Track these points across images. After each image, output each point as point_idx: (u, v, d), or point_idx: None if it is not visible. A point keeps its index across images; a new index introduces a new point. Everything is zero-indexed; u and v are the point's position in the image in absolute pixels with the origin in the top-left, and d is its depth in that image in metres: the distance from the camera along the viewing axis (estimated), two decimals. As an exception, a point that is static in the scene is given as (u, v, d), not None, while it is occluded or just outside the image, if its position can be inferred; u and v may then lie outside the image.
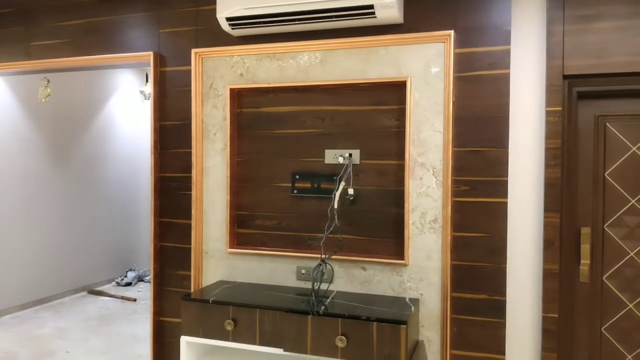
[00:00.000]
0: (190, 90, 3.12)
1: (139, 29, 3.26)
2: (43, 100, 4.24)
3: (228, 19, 2.84)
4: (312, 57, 2.89)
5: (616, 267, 2.62)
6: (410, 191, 2.72)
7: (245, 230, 3.10)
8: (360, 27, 2.78)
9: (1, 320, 4.51)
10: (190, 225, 3.14)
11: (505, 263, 2.59)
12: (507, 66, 2.58)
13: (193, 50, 3.08)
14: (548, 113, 2.55)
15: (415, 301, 2.66)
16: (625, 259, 2.61)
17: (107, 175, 5.79)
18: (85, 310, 4.87)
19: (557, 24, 2.52)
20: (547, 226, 2.55)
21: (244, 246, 3.08)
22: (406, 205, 2.71)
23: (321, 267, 2.63)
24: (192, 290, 3.12)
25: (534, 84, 2.61)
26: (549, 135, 2.54)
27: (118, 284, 5.82)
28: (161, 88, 3.21)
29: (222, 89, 3.07)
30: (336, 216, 2.79)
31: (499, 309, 2.60)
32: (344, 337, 2.36)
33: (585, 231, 2.58)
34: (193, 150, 3.10)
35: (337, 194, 2.81)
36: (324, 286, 2.78)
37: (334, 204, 2.80)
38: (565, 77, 2.52)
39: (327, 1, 2.62)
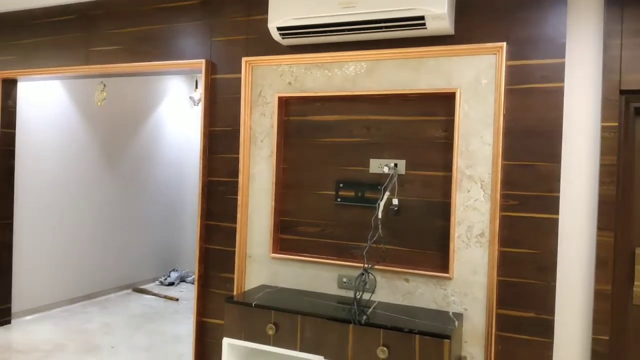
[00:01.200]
0: (239, 98, 3.19)
1: (192, 36, 3.36)
2: (99, 104, 4.42)
3: (279, 29, 2.89)
4: (360, 67, 2.90)
5: (674, 290, 2.50)
6: (457, 204, 2.68)
7: (288, 236, 3.13)
8: (409, 37, 2.77)
9: (51, 313, 4.70)
10: (235, 229, 3.20)
11: (555, 281, 2.52)
12: (562, 79, 2.51)
13: (243, 59, 3.15)
14: (603, 128, 2.47)
15: (459, 316, 2.62)
16: (683, 283, 2.49)
17: (154, 178, 5.97)
18: (129, 308, 5.02)
19: (614, 38, 2.44)
20: (600, 245, 2.46)
21: (286, 252, 3.11)
22: (452, 217, 2.68)
23: (364, 276, 2.63)
24: (234, 293, 3.17)
25: (589, 98, 2.53)
26: (604, 151, 2.46)
27: (161, 283, 5.97)
28: (212, 94, 3.29)
29: (271, 97, 3.12)
30: (380, 226, 2.79)
31: (546, 328, 2.53)
32: (385, 349, 2.34)
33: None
34: (240, 156, 3.17)
35: (382, 203, 2.80)
36: (365, 296, 2.77)
37: (378, 214, 2.79)
38: (622, 92, 2.44)
39: (378, 12, 2.63)
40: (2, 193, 4.19)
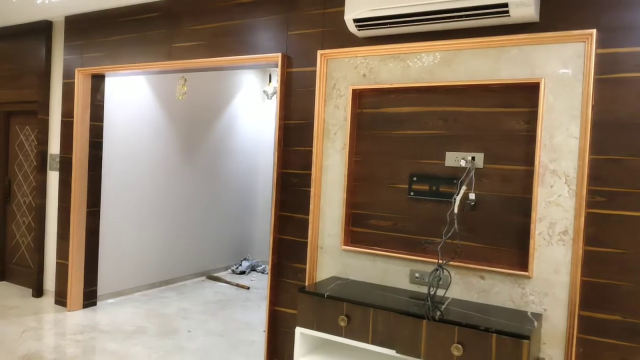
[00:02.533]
0: (314, 91, 3.22)
1: (268, 31, 3.42)
2: (180, 98, 4.61)
3: (355, 21, 2.89)
4: (437, 57, 2.84)
5: None
6: (539, 199, 2.56)
7: (360, 229, 3.13)
8: (490, 26, 2.67)
9: (133, 297, 4.98)
10: (307, 220, 3.24)
11: (645, 284, 2.35)
12: (658, 68, 2.34)
13: (319, 52, 3.18)
14: None
15: (538, 316, 2.51)
16: None
17: (229, 169, 6.16)
18: (204, 294, 5.22)
19: None
20: (701, 247, 2.27)
21: (358, 244, 3.11)
22: (533, 214, 2.57)
23: (438, 272, 2.58)
24: (306, 283, 3.22)
25: (692, 87, 2.34)
26: None
27: (233, 271, 6.17)
28: (287, 88, 3.35)
29: (345, 90, 3.12)
30: (456, 221, 2.72)
31: (634, 332, 2.37)
32: (460, 346, 2.29)
33: None
34: (314, 149, 3.20)
35: (458, 198, 2.74)
36: (439, 292, 2.72)
37: (453, 208, 2.73)
38: None
39: (454, 1, 2.56)
40: (91, 182, 4.48)
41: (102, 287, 4.72)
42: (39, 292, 4.79)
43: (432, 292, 2.55)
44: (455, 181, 2.80)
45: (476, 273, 2.73)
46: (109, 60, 4.20)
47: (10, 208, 5.27)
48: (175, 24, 3.84)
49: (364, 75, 3.07)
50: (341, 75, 3.14)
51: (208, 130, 5.82)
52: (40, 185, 4.74)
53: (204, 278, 5.89)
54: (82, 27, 4.38)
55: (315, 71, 3.21)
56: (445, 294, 2.74)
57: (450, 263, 2.74)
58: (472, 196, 2.75)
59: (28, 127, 5.04)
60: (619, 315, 2.41)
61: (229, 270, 6.23)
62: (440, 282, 2.62)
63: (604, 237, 2.44)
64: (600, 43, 2.44)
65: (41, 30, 4.65)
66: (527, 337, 2.18)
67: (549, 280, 2.54)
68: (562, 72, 2.51)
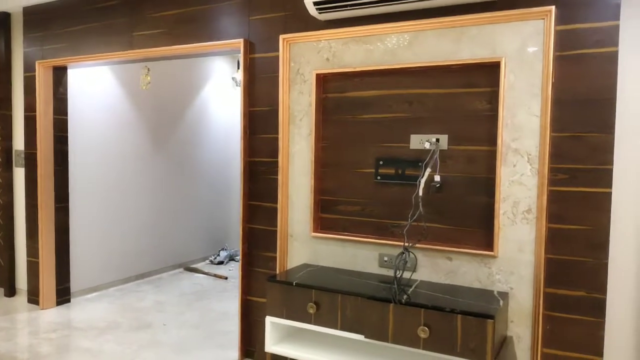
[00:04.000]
0: (278, 77, 3.17)
1: (230, 16, 3.35)
2: (144, 88, 4.52)
3: (315, 3, 2.84)
4: (400, 39, 2.81)
5: None
6: (502, 179, 2.57)
7: (329, 215, 3.11)
8: (450, 5, 2.64)
9: (107, 292, 4.92)
10: (276, 208, 3.21)
11: (607, 259, 2.38)
12: (616, 44, 2.34)
13: (281, 36, 3.12)
14: (664, 94, 2.28)
15: (504, 295, 2.53)
16: None
17: (202, 159, 6.08)
18: (181, 286, 5.18)
19: (678, -6, 2.24)
20: (659, 220, 2.30)
21: (327, 231, 3.10)
22: (497, 194, 2.57)
23: (404, 255, 2.58)
24: (277, 271, 3.20)
25: (648, 62, 2.34)
26: (665, 119, 2.28)
27: (211, 262, 6.13)
28: (251, 74, 3.29)
29: (309, 75, 3.08)
30: (421, 204, 2.72)
31: (598, 307, 2.40)
32: (426, 328, 2.29)
33: None
34: (280, 136, 3.16)
35: (423, 180, 2.73)
36: (407, 275, 2.72)
37: (418, 191, 2.72)
38: (686, 53, 2.24)
39: (416, -20, 2.53)
40: (58, 177, 4.39)
41: (75, 284, 4.65)
42: (11, 291, 4.70)
43: (398, 276, 2.55)
44: (420, 164, 2.79)
45: (443, 255, 2.73)
46: (71, 52, 4.08)
47: (-23, 207, 5.14)
48: (137, 11, 3.74)
49: (328, 59, 3.02)
50: (304, 60, 3.09)
51: (179, 120, 5.73)
52: (6, 182, 4.63)
53: (181, 270, 5.84)
54: (41, 17, 4.25)
55: (278, 56, 3.16)
56: (411, 276, 2.75)
57: (418, 245, 2.74)
58: (437, 178, 2.74)
59: (-8, 123, 4.90)
60: (583, 291, 2.43)
61: (207, 261, 6.19)
62: (407, 265, 2.62)
63: (567, 215, 2.45)
64: (560, 19, 2.43)
65: (-3, 22, 4.50)
66: (492, 317, 2.19)
67: (514, 259, 2.56)
68: (522, 51, 2.50)
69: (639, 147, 2.37)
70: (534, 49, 2.47)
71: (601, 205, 2.38)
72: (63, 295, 4.51)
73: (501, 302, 2.39)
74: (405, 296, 2.44)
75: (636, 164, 2.38)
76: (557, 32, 2.44)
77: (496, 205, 2.58)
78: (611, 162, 2.36)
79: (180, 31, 3.54)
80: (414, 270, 2.75)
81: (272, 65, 3.20)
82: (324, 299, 2.60)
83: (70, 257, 4.58)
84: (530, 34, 2.48)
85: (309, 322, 2.64)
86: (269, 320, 2.76)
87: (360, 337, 2.49)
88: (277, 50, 3.16)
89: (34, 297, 4.46)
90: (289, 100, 3.15)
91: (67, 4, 4.07)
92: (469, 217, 2.70)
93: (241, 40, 3.25)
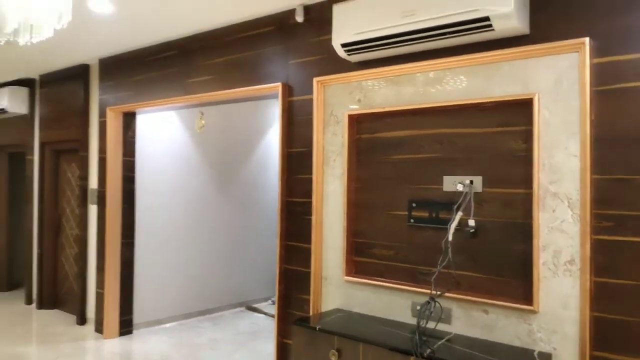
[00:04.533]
0: (312, 118, 3.17)
1: (272, 62, 3.43)
2: (198, 131, 4.73)
3: (343, 45, 2.83)
4: (428, 77, 2.71)
5: None
6: (540, 225, 2.34)
7: (362, 258, 3.01)
8: (480, 42, 2.51)
9: (169, 326, 5.09)
10: (311, 249, 3.16)
11: (665, 321, 2.05)
12: (665, 74, 2.07)
13: (314, 79, 3.14)
14: None
15: (546, 356, 2.26)
16: None
17: (265, 200, 6.20)
18: (239, 325, 5.24)
19: None
20: None
21: (360, 275, 2.99)
22: (535, 241, 2.34)
23: (430, 305, 2.41)
24: (310, 314, 3.13)
25: None
26: None
27: (273, 302, 6.14)
28: (289, 116, 3.32)
29: (341, 116, 3.05)
30: (450, 250, 2.54)
31: (655, 378, 2.06)
32: (446, 388, 2.10)
33: None
34: (314, 176, 3.14)
35: (453, 225, 2.56)
36: (441, 327, 2.54)
37: (448, 236, 2.55)
38: None
39: (439, 18, 2.44)
40: (125, 215, 4.68)
41: (138, 316, 4.86)
42: (82, 320, 5.03)
43: (423, 326, 2.38)
44: (454, 206, 2.63)
45: (479, 306, 2.52)
46: (136, 98, 4.40)
47: (60, 240, 5.61)
48: (190, 60, 3.95)
49: (359, 100, 2.98)
50: (337, 101, 3.07)
51: (243, 162, 5.92)
52: (82, 218, 5.01)
53: (243, 309, 5.92)
54: (114, 67, 4.64)
55: (312, 99, 3.17)
56: (436, 326, 2.54)
57: (451, 295, 2.55)
58: (471, 223, 2.56)
59: (74, 164, 5.37)
60: (634, 358, 2.11)
61: (270, 301, 6.22)
62: (432, 315, 2.44)
63: (614, 267, 2.17)
64: (597, 52, 2.22)
65: (79, 73, 4.98)
66: (520, 381, 1.96)
67: (557, 315, 2.29)
68: (557, 86, 2.30)
69: (699, 191, 2.05)
70: (569, 84, 2.26)
71: (655, 258, 2.08)
72: (126, 327, 4.73)
73: (536, 365, 2.14)
74: (428, 350, 2.27)
75: (696, 211, 2.05)
76: (593, 65, 2.21)
77: (535, 254, 2.34)
78: (665, 208, 2.06)
79: (227, 77, 3.68)
80: (439, 320, 2.54)
81: (308, 108, 3.21)
82: (346, 346, 2.49)
83: (134, 291, 4.81)
84: (564, 68, 2.28)
85: (331, 372, 2.53)
86: (295, 367, 2.69)
87: (379, 392, 2.34)
88: (312, 92, 3.17)
89: (99, 327, 4.72)
90: (323, 141, 3.13)
91: (134, 55, 4.41)
92: (506, 266, 2.47)
93: (279, 84, 3.31)
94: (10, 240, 6.43)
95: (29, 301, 5.80)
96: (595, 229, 2.21)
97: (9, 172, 6.45)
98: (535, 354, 2.29)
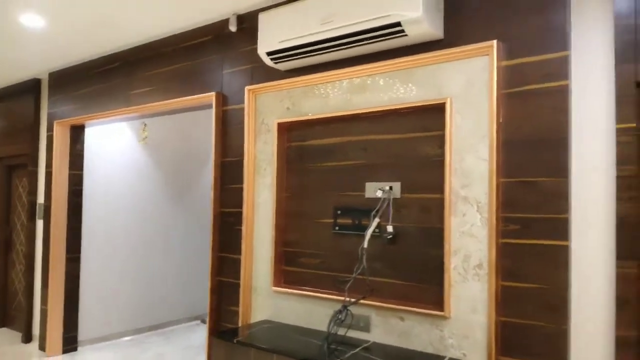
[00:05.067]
0: (243, 127, 3.16)
1: (208, 71, 3.43)
2: (141, 143, 4.69)
3: (268, 54, 2.84)
4: (352, 84, 2.71)
5: None
6: (452, 230, 2.32)
7: (292, 267, 2.97)
8: (399, 48, 2.53)
9: (117, 342, 4.97)
10: (241, 260, 3.12)
11: (567, 324, 2.03)
12: (566, 77, 2.09)
13: (246, 88, 3.13)
14: (619, 132, 1.99)
15: (457, 363, 2.23)
16: None
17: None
18: (190, 338, 5.13)
19: (627, 17, 1.98)
20: (621, 279, 1.94)
21: (287, 285, 2.94)
22: (446, 246, 2.32)
23: (343, 313, 2.37)
24: (239, 326, 3.06)
25: (602, 96, 2.07)
26: (621, 160, 1.97)
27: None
28: (223, 126, 3.31)
29: (272, 124, 3.04)
30: (364, 257, 2.51)
31: (558, 383, 2.03)
32: (350, 396, 2.05)
33: (686, 288, 1.91)
34: (244, 186, 3.11)
35: (369, 232, 2.53)
36: (359, 335, 2.50)
37: (363, 244, 2.52)
38: (638, 84, 1.95)
39: (355, 24, 2.45)
40: (71, 229, 4.59)
41: (84, 333, 4.74)
42: (27, 337, 4.89)
43: (332, 335, 2.34)
44: (375, 213, 2.61)
45: (395, 313, 2.48)
46: (82, 111, 4.36)
47: (10, 256, 5.49)
48: (132, 72, 3.94)
49: (288, 108, 2.98)
50: (268, 109, 3.07)
51: (199, 172, 5.87)
52: (29, 233, 4.92)
53: (198, 322, 5.81)
54: (61, 81, 4.61)
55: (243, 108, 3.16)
56: (346, 333, 2.50)
57: (369, 303, 2.52)
58: (390, 229, 2.54)
59: (25, 179, 5.29)
60: (546, 362, 2.09)
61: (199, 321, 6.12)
62: (345, 324, 2.40)
63: (519, 271, 2.15)
64: (506, 54, 2.24)
65: (31, 87, 4.94)
66: (420, 387, 1.92)
67: (467, 321, 2.26)
68: (467, 90, 2.31)
69: (597, 192, 2.05)
70: (480, 88, 2.28)
71: (557, 261, 2.07)
72: (70, 344, 4.60)
73: (442, 371, 2.10)
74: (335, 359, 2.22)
75: (595, 212, 2.05)
76: (502, 68, 2.23)
77: (446, 259, 2.32)
78: (567, 211, 2.06)
79: (167, 87, 3.67)
80: (348, 328, 2.50)
81: (241, 117, 3.20)
82: (262, 358, 2.43)
83: (80, 307, 4.70)
84: (475, 72, 2.30)
85: (247, 383, 2.47)
86: (214, 379, 2.62)
87: (288, 402, 2.28)
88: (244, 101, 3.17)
89: (43, 344, 4.59)
90: (255, 150, 3.11)
91: (81, 68, 4.39)
92: (422, 271, 2.45)
93: (213, 94, 3.30)
94: (-37, 257, 6.28)
95: (-23, 320, 5.64)
96: (503, 233, 2.20)
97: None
98: (449, 359, 2.25)
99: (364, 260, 2.50)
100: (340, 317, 2.34)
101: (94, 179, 4.83)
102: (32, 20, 3.31)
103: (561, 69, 2.11)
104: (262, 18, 2.87)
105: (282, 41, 2.74)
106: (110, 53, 4.12)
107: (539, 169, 2.13)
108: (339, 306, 2.66)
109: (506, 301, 2.17)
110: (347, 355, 2.27)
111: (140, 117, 4.22)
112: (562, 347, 2.03)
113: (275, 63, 2.88)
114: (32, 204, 4.94)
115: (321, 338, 2.54)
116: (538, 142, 2.14)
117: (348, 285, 2.47)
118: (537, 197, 2.13)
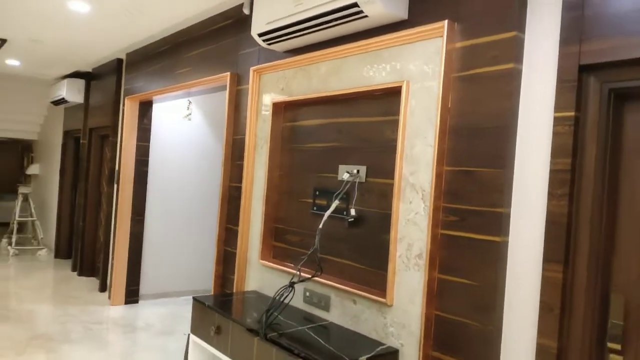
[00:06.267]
0: (247, 106, 3.30)
1: (228, 53, 3.61)
2: (185, 119, 5.03)
3: (259, 35, 2.93)
4: (330, 66, 2.71)
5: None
6: (399, 217, 2.26)
7: (279, 243, 3.08)
8: (369, 29, 2.49)
9: (175, 300, 5.50)
10: (239, 232, 3.30)
11: (493, 325, 1.90)
12: (514, 59, 1.91)
13: (251, 68, 3.26)
14: (556, 120, 1.78)
15: (393, 354, 2.20)
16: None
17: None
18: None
19: (576, -6, 1.75)
20: (546, 283, 1.77)
21: (272, 259, 3.07)
22: (393, 233, 2.27)
23: (289, 290, 2.44)
24: (228, 292, 3.26)
25: (549, 81, 1.86)
26: (555, 153, 1.77)
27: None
28: (236, 104, 3.48)
29: (269, 104, 3.14)
30: (317, 237, 2.54)
31: (475, 385, 1.92)
32: (270, 367, 2.14)
33: (618, 299, 1.68)
34: (245, 162, 3.27)
35: (327, 213, 2.55)
36: (319, 314, 2.56)
37: (320, 224, 2.55)
38: (583, 68, 1.72)
39: (317, 7, 2.46)
40: (137, 194, 5.15)
41: (145, 288, 5.32)
42: (102, 287, 5.61)
43: (272, 309, 2.42)
44: (345, 196, 2.61)
45: (349, 296, 2.49)
46: (146, 88, 4.83)
47: (99, 215, 6.30)
48: (177, 53, 4.27)
49: (282, 88, 3.06)
50: (268, 89, 3.17)
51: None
52: (109, 196, 5.60)
53: (254, 291, 6.17)
54: (135, 61, 5.13)
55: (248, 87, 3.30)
56: (301, 311, 2.54)
57: (329, 283, 2.55)
58: (352, 212, 2.54)
59: (108, 148, 6.00)
60: (475, 362, 1.98)
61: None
62: (284, 301, 2.47)
63: (455, 264, 2.05)
64: (461, 35, 2.10)
65: (114, 67, 5.56)
66: (327, 368, 1.95)
67: (406, 310, 2.21)
68: (423, 73, 2.21)
69: (535, 187, 1.86)
70: (432, 70, 2.16)
71: (489, 257, 1.93)
72: (132, 296, 5.21)
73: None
74: (273, 333, 2.31)
75: (531, 208, 1.87)
76: (454, 50, 2.10)
77: (391, 246, 2.27)
78: (502, 204, 1.91)
79: (201, 68, 3.94)
80: (283, 307, 2.55)
81: (248, 95, 3.34)
82: (224, 324, 2.60)
83: (142, 265, 5.28)
84: (431, 53, 2.18)
85: (211, 344, 2.67)
86: (192, 338, 2.86)
87: (230, 366, 2.43)
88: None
89: (110, 294, 5.25)
90: (256, 128, 3.25)
91: (145, 50, 4.85)
92: (376, 256, 2.42)
93: (228, 74, 3.48)
94: (71, 214, 7.33)
95: (74, 268, 6.58)
96: (443, 224, 2.10)
97: (74, 155, 7.34)
98: (382, 348, 2.22)
99: (317, 241, 2.53)
100: (284, 292, 2.41)
101: (156, 151, 5.33)
102: (79, 6, 3.75)
103: (511, 50, 1.92)
104: (257, 0, 2.96)
105: (269, 22, 2.81)
106: (163, 37, 4.49)
107: (480, 159, 1.99)
108: (308, 284, 2.74)
109: (442, 295, 2.08)
110: (290, 330, 2.35)
111: (186, 95, 4.57)
112: (494, 350, 1.90)
113: (268, 44, 2.96)
114: (111, 170, 5.60)
115: (295, 313, 2.64)
116: (482, 130, 1.99)
117: (301, 263, 2.53)
118: (475, 188, 1.99)
